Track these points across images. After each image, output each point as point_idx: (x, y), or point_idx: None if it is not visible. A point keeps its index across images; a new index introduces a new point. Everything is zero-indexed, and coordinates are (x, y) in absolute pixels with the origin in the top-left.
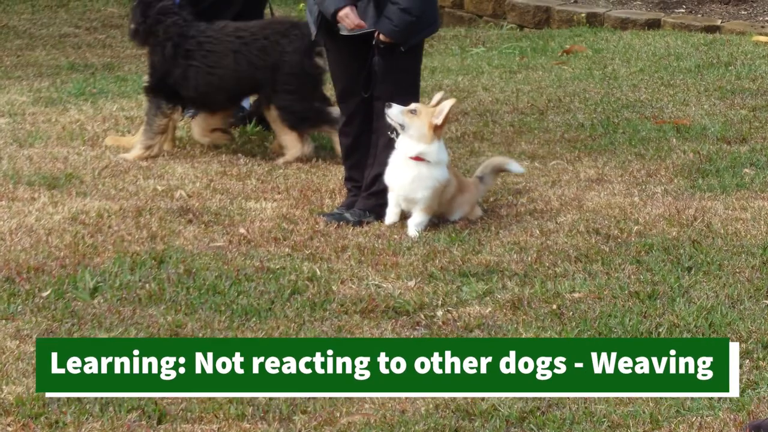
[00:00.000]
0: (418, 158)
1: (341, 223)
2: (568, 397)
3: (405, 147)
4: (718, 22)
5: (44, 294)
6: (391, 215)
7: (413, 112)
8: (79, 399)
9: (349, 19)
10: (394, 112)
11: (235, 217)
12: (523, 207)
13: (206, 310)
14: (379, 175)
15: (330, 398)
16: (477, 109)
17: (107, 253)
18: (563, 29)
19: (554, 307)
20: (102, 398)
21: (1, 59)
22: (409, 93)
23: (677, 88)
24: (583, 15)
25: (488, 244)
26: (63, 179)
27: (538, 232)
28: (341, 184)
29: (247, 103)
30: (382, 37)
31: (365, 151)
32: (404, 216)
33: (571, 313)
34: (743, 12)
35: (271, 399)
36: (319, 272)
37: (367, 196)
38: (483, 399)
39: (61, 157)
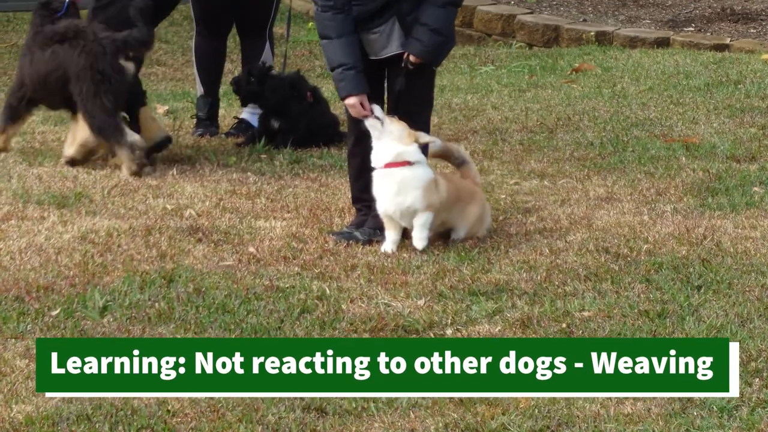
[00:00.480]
0: (397, 163)
1: (351, 241)
2: (579, 416)
3: (383, 153)
4: (727, 41)
5: (54, 313)
6: (389, 242)
7: (392, 118)
8: (89, 418)
9: (354, 109)
10: (376, 110)
11: (244, 236)
12: (532, 226)
13: (216, 329)
14: None
15: (340, 418)
16: (486, 127)
17: (117, 272)
18: (572, 48)
19: (564, 326)
20: (112, 418)
21: (10, 78)
22: (426, 111)
23: (686, 107)
24: (592, 33)
25: (498, 262)
26: (72, 198)
27: (547, 250)
28: (350, 203)
29: (255, 120)
30: (412, 58)
31: None
32: (407, 235)
33: (580, 332)
34: (752, 30)
35: (280, 418)
36: (328, 291)
37: (377, 215)
38: (492, 417)
39: (71, 176)
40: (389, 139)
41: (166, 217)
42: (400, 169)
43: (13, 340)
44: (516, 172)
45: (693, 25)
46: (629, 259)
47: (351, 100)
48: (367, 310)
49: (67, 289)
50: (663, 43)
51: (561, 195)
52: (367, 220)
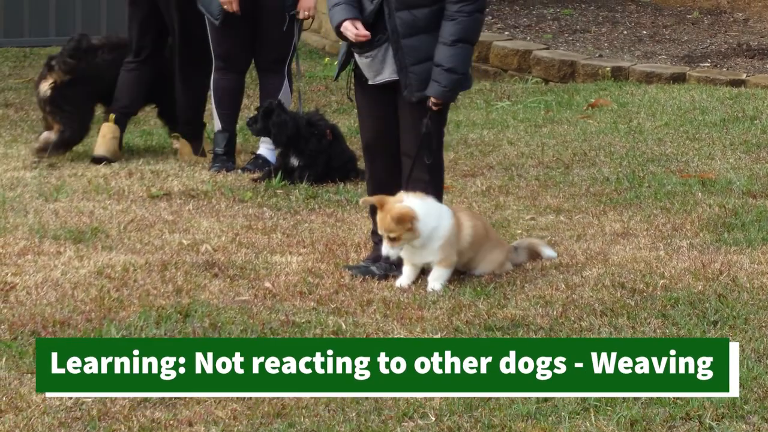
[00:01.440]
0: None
1: (367, 276)
2: None
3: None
4: (743, 76)
5: None
6: (404, 278)
7: (391, 240)
8: None
9: (348, 31)
10: (391, 255)
11: (260, 271)
12: (548, 261)
13: None
14: None
15: None
16: (502, 162)
17: (133, 307)
18: (588, 83)
19: None
20: None
21: (27, 113)
22: (437, 147)
23: (702, 142)
24: (608, 69)
25: (513, 298)
26: (89, 233)
27: (563, 286)
28: (367, 237)
29: (273, 156)
30: (433, 100)
31: None
32: (424, 271)
33: None
34: None
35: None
36: (344, 326)
37: None
38: None
39: (87, 211)
40: (412, 246)
41: (182, 252)
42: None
43: (29, 375)
44: (532, 208)
45: (709, 60)
46: (645, 294)
47: (344, 24)
48: None
49: (83, 324)
50: (679, 78)
51: (577, 230)
52: None
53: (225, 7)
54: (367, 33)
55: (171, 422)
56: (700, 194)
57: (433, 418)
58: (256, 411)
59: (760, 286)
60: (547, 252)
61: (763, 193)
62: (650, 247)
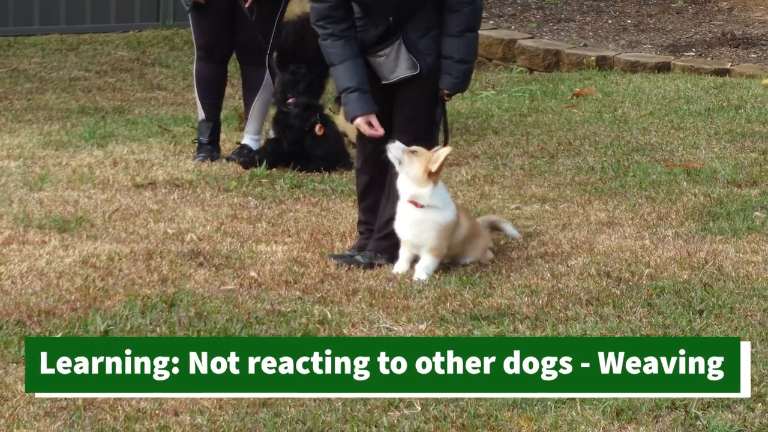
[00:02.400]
0: (413, 202)
1: (352, 265)
2: None
3: (403, 188)
4: (728, 66)
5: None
6: (401, 263)
7: (413, 152)
8: None
9: (363, 128)
10: (395, 148)
11: (245, 260)
12: (533, 250)
13: None
14: (391, 220)
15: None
16: (487, 152)
17: (118, 296)
18: (573, 72)
19: None
20: None
21: (11, 103)
22: (427, 142)
23: (687, 131)
24: (592, 58)
25: (499, 287)
26: (73, 222)
27: (549, 275)
28: (352, 227)
29: (256, 145)
30: (446, 92)
31: (380, 194)
32: (416, 261)
33: None
34: (753, 55)
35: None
36: (330, 315)
37: (380, 237)
38: None
39: (72, 200)
40: (407, 178)
41: (168, 241)
42: (415, 209)
43: (14, 364)
44: (517, 197)
45: (694, 49)
46: (631, 283)
47: (357, 121)
48: (368, 335)
49: (68, 314)
50: (664, 67)
51: (562, 219)
52: (368, 243)
53: None
54: (382, 131)
55: (156, 412)
56: (685, 183)
57: (419, 408)
58: (242, 401)
59: (745, 275)
60: (509, 230)
61: (748, 182)
62: (635, 237)
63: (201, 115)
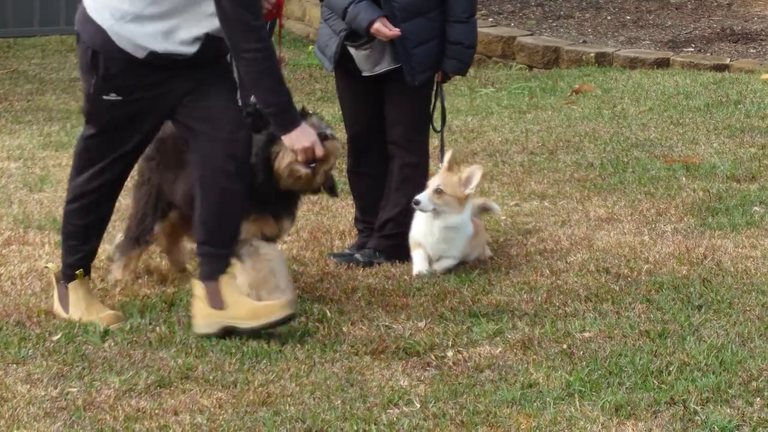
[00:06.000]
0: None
1: (351, 264)
2: None
3: (438, 219)
4: (727, 61)
5: (55, 338)
6: (422, 262)
7: (439, 192)
8: None
9: (381, 34)
10: (425, 203)
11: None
12: (533, 247)
13: (217, 353)
14: (391, 220)
15: None
16: (487, 149)
17: (117, 296)
18: (572, 69)
19: (565, 346)
20: None
21: (11, 104)
22: (422, 135)
23: (686, 127)
24: (592, 55)
25: (498, 284)
26: None
27: (548, 271)
28: (351, 225)
29: None
30: (450, 75)
31: (377, 193)
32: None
33: (581, 352)
34: (752, 50)
35: None
36: (329, 314)
37: (379, 237)
38: None
39: None
40: (444, 214)
41: None
42: (449, 229)
43: (15, 365)
44: (516, 194)
45: (693, 45)
46: (630, 279)
47: (376, 25)
48: (368, 333)
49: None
50: (663, 63)
51: (561, 216)
52: (368, 241)
53: None
54: (398, 30)
55: (156, 411)
56: (684, 179)
57: (418, 405)
58: (242, 399)
59: (744, 270)
60: (494, 207)
61: (747, 178)
62: (634, 232)
63: None
